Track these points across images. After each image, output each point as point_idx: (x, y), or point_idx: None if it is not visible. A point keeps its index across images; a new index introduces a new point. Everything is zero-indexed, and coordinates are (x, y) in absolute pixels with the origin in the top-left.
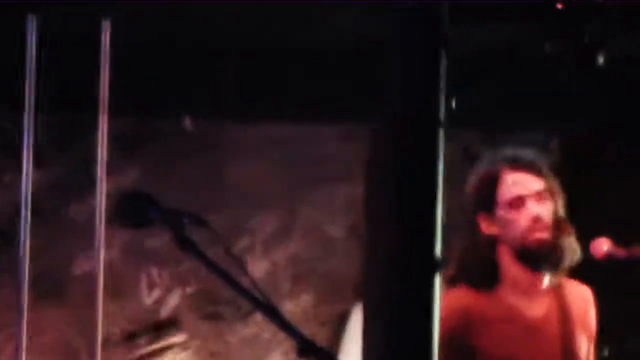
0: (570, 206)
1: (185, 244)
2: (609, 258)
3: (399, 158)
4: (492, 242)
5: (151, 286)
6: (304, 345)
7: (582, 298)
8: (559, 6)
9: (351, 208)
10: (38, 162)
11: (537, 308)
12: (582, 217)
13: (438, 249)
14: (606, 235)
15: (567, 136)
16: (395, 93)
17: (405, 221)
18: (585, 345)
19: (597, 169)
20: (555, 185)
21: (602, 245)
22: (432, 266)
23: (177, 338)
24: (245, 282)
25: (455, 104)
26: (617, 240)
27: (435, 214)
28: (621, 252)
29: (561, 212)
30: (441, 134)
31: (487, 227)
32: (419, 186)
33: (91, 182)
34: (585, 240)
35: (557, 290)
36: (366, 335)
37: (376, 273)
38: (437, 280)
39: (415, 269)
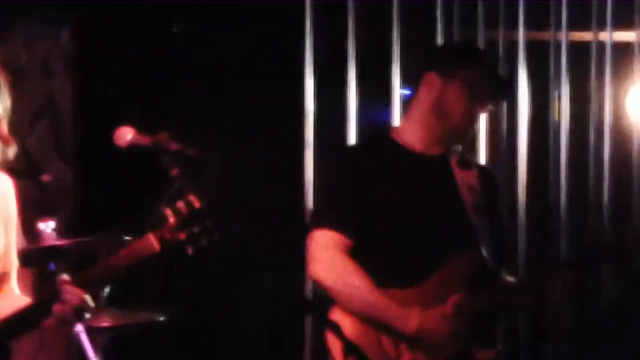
0: (92, 96)
1: None
2: (132, 146)
3: None
4: None
5: None
6: None
7: None
8: None
9: None
10: None
11: None
12: (104, 106)
13: None
14: (128, 123)
15: (79, 26)
16: None
17: None
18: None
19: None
20: None
21: (126, 135)
22: None
23: None
24: None
25: None
26: (140, 128)
27: None
28: (145, 140)
29: None
30: None
31: None
32: None
33: None
34: (108, 130)
35: None
36: None
37: None
38: None
39: None
